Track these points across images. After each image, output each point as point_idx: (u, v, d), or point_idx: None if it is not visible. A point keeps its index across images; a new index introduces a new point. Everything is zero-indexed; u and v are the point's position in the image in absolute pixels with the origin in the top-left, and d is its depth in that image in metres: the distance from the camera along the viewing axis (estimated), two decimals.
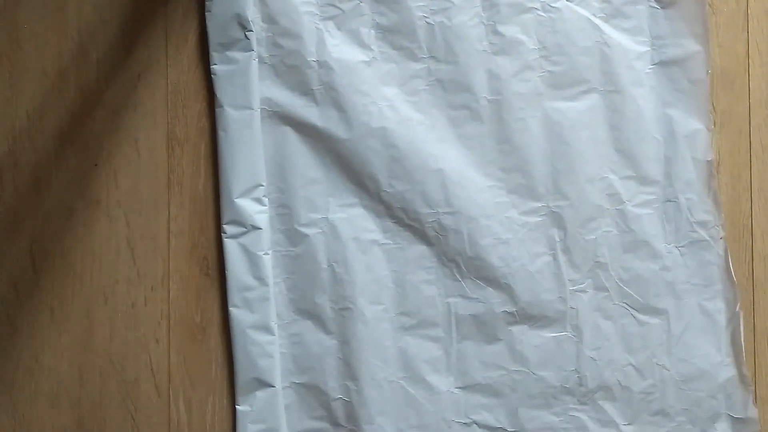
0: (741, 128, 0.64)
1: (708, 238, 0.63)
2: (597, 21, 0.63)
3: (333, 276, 0.63)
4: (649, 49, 0.63)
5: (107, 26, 0.65)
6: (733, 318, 0.62)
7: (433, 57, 0.63)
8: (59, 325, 0.65)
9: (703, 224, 0.63)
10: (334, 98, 0.63)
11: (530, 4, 0.63)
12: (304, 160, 0.64)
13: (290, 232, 0.63)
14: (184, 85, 0.65)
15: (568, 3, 0.63)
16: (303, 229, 0.63)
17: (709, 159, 0.63)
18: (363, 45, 0.63)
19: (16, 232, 0.65)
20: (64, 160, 0.65)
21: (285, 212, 0.64)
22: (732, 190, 0.64)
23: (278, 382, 0.63)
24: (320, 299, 0.63)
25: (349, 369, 0.63)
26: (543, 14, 0.63)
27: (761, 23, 0.64)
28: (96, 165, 0.65)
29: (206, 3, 0.63)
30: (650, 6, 0.63)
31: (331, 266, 0.63)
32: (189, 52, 0.65)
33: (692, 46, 0.63)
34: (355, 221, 0.63)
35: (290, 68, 0.64)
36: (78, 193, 0.65)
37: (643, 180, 0.63)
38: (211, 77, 0.64)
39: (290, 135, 0.64)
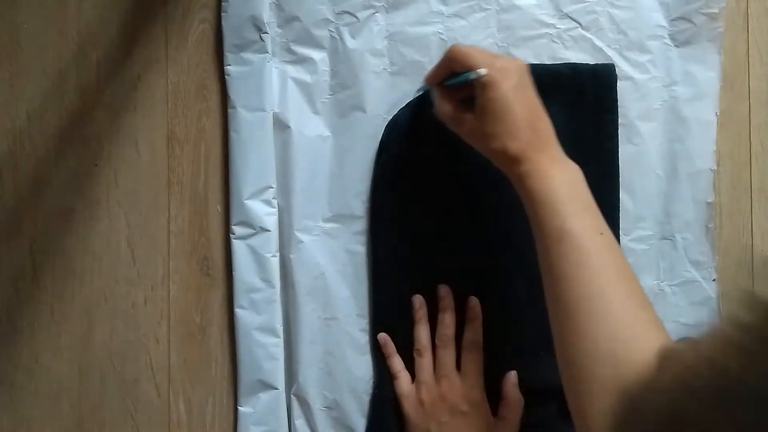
0: (741, 128, 0.64)
1: (700, 279, 0.63)
2: (610, 52, 0.63)
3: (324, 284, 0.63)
4: (660, 85, 0.63)
5: (107, 26, 0.65)
6: None
7: None
8: (59, 325, 0.65)
9: (697, 265, 0.63)
10: (341, 107, 0.64)
11: (545, 30, 0.63)
12: (305, 166, 0.64)
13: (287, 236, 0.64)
14: (184, 85, 0.65)
15: (583, 32, 0.63)
16: (299, 234, 0.63)
17: (710, 201, 0.63)
18: (375, 54, 0.63)
19: (16, 232, 0.65)
20: (64, 160, 0.65)
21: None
22: (732, 190, 0.64)
23: (282, 384, 0.63)
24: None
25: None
26: (557, 41, 0.63)
27: (761, 23, 0.64)
28: (96, 165, 0.65)
29: (222, 4, 0.63)
30: (665, 43, 0.63)
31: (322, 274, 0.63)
32: (189, 52, 0.65)
33: (703, 87, 0.63)
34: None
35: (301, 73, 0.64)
36: (78, 193, 0.65)
37: (642, 215, 0.63)
38: (216, 77, 0.65)
39: (294, 139, 0.63)
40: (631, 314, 0.48)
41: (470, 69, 0.53)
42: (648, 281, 0.63)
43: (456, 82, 0.55)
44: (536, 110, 0.54)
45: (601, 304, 0.48)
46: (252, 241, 0.63)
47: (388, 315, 0.63)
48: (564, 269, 0.50)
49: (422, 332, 0.62)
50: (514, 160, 0.53)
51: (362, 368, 0.63)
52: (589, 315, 0.48)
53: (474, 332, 0.61)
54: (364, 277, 0.63)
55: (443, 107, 0.57)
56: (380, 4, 0.63)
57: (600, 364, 0.47)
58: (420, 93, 0.62)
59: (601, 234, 0.51)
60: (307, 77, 0.64)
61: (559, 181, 0.52)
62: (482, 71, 0.53)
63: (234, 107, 0.63)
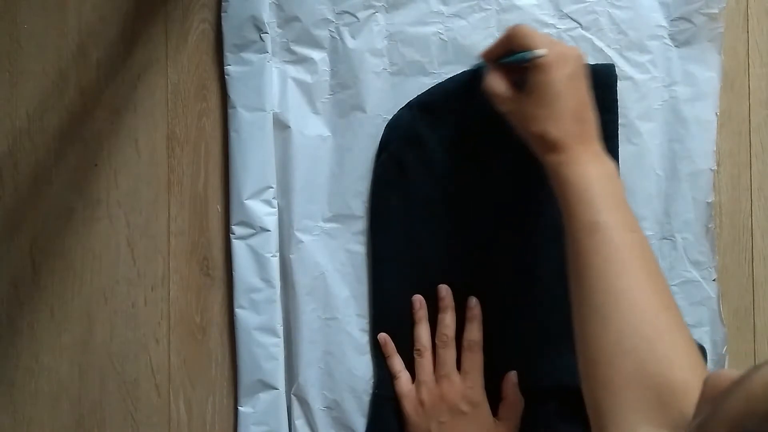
0: (741, 128, 0.64)
1: (700, 279, 0.63)
2: (610, 52, 0.63)
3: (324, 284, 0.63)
4: (660, 85, 0.63)
5: (107, 26, 0.65)
6: (718, 360, 0.62)
7: (445, 73, 0.63)
8: (59, 325, 0.65)
9: (696, 264, 0.63)
10: (341, 107, 0.64)
11: (545, 30, 0.63)
12: (305, 166, 0.64)
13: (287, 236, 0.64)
14: (184, 85, 0.65)
15: (583, 32, 0.63)
16: (299, 234, 0.63)
17: (710, 201, 0.63)
18: (375, 54, 0.63)
19: (16, 232, 0.65)
20: (64, 160, 0.65)
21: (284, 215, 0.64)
22: (732, 190, 0.64)
23: (282, 384, 0.63)
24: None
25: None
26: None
27: (761, 23, 0.64)
28: (96, 165, 0.65)
29: (222, 4, 0.63)
30: (665, 43, 0.63)
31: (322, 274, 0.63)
32: (189, 52, 0.65)
33: (703, 87, 0.63)
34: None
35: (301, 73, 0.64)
36: (78, 193, 0.65)
37: (642, 215, 0.62)
38: (216, 77, 0.65)
39: (294, 139, 0.63)
40: (658, 313, 0.48)
41: (528, 49, 0.53)
42: None
43: (512, 60, 0.55)
44: (585, 103, 0.54)
45: (628, 300, 0.48)
46: (252, 241, 0.63)
47: (388, 315, 0.63)
48: (593, 262, 0.49)
49: (422, 332, 0.62)
50: (553, 147, 0.53)
51: (362, 368, 0.63)
52: (615, 310, 0.48)
53: (474, 332, 0.61)
54: (364, 277, 0.63)
55: (495, 83, 0.56)
56: (380, 4, 0.63)
57: (622, 360, 0.46)
58: (474, 68, 0.61)
59: (634, 232, 0.51)
60: (307, 77, 0.64)
61: (596, 175, 0.52)
62: (540, 51, 0.52)
63: (234, 107, 0.63)
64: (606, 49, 0.63)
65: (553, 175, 0.53)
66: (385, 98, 0.63)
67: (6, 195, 0.65)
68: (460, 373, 0.61)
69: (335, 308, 0.63)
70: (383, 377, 0.62)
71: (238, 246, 0.63)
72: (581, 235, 0.51)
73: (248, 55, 0.63)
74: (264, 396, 0.63)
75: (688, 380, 0.45)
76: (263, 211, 0.63)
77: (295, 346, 0.63)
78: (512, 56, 0.55)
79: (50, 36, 0.65)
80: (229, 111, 0.63)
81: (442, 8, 0.63)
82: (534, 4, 0.63)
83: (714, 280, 0.63)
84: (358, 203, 0.63)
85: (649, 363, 0.45)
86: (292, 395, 0.63)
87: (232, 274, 0.63)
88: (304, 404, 0.63)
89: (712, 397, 0.31)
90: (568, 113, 0.53)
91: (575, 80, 0.54)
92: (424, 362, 0.61)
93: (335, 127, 0.64)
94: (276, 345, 0.63)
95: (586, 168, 0.52)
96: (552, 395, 0.61)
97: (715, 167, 0.63)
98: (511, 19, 0.63)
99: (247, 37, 0.63)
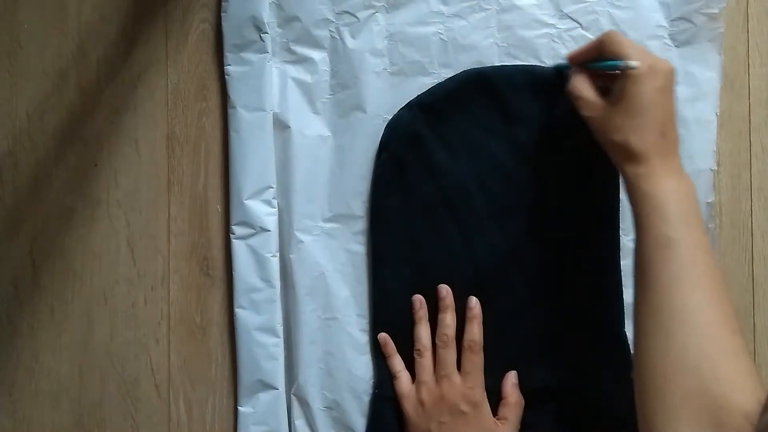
0: (741, 128, 0.64)
1: None
2: None
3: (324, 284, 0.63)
4: None
5: (107, 26, 0.65)
6: None
7: (445, 73, 0.63)
8: (59, 325, 0.65)
9: None
10: (341, 107, 0.64)
11: (545, 30, 0.63)
12: (305, 166, 0.64)
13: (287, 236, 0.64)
14: (184, 85, 0.65)
15: (583, 32, 0.63)
16: (299, 234, 0.63)
17: (710, 201, 0.63)
18: (375, 54, 0.63)
19: (16, 232, 0.65)
20: (64, 160, 0.65)
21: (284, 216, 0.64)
22: (732, 190, 0.64)
23: (282, 384, 0.63)
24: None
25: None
26: (557, 41, 0.63)
27: (761, 23, 0.64)
28: (96, 165, 0.65)
29: (222, 4, 0.63)
30: (665, 43, 0.63)
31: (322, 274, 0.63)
32: (189, 52, 0.65)
33: (703, 87, 0.63)
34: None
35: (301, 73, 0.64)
36: (78, 193, 0.65)
37: None
38: (216, 77, 0.65)
39: (294, 139, 0.63)
40: (724, 335, 0.48)
41: (620, 58, 0.53)
42: None
43: (603, 66, 0.55)
44: (671, 118, 0.54)
45: (695, 319, 0.48)
46: (252, 241, 0.63)
47: (388, 315, 0.63)
48: (662, 277, 0.50)
49: (422, 332, 0.62)
50: (633, 158, 0.53)
51: (362, 368, 0.63)
52: (681, 326, 0.48)
53: (474, 332, 0.61)
54: (364, 277, 0.63)
55: (582, 87, 0.56)
56: (380, 4, 0.63)
57: (683, 376, 0.46)
58: (557, 69, 0.61)
59: (706, 253, 0.51)
60: (307, 77, 0.64)
61: (674, 190, 0.52)
62: (634, 63, 0.52)
63: (234, 107, 0.63)
64: None
65: (630, 186, 0.53)
66: (385, 98, 0.63)
67: (6, 195, 0.65)
68: (460, 374, 0.61)
69: (335, 308, 0.63)
70: (383, 377, 0.62)
71: (238, 246, 0.63)
72: (652, 248, 0.51)
73: (248, 55, 0.63)
74: (264, 396, 0.63)
75: (746, 404, 0.44)
76: (263, 211, 0.63)
77: (295, 346, 0.63)
78: (603, 62, 0.55)
79: (50, 36, 0.65)
80: (229, 111, 0.64)
81: (442, 8, 0.63)
82: (534, 4, 0.63)
83: None
84: (358, 203, 0.63)
85: (711, 383, 0.45)
86: (292, 395, 0.63)
87: (232, 274, 0.63)
88: (304, 404, 0.63)
89: None
90: (652, 126, 0.53)
91: (664, 94, 0.53)
92: (425, 362, 0.61)
93: (335, 127, 0.64)
94: (276, 345, 0.63)
95: (664, 182, 0.52)
96: (552, 396, 0.61)
97: (715, 167, 0.63)
98: (511, 19, 0.63)
99: (247, 37, 0.63)
